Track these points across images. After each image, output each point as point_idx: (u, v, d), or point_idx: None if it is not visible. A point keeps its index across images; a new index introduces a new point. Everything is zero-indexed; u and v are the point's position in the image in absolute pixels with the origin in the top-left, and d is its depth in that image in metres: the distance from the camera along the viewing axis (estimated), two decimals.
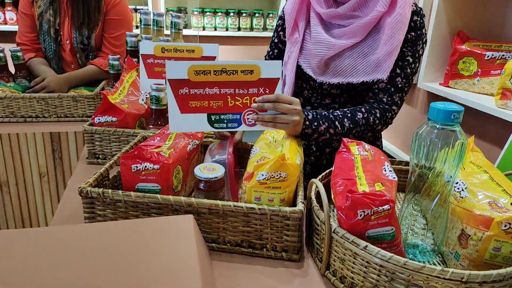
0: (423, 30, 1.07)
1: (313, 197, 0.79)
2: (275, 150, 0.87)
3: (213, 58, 1.23)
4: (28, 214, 1.49)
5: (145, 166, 0.79)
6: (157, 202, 0.76)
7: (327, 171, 0.91)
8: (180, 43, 1.33)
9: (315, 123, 0.99)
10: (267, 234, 0.76)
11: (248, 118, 0.91)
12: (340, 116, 1.03)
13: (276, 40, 1.25)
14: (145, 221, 0.71)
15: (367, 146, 0.90)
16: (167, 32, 1.68)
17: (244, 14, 3.34)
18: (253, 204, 0.74)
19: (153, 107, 1.14)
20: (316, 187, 0.82)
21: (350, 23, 1.06)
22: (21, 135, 1.39)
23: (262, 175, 0.74)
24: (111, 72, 1.48)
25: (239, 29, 3.39)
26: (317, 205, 0.76)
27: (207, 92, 0.88)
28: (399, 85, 1.07)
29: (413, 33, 1.05)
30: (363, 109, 1.05)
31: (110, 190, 0.78)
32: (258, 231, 0.76)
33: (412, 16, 1.04)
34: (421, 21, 1.06)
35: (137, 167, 0.79)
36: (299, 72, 1.16)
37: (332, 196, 0.73)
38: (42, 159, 1.43)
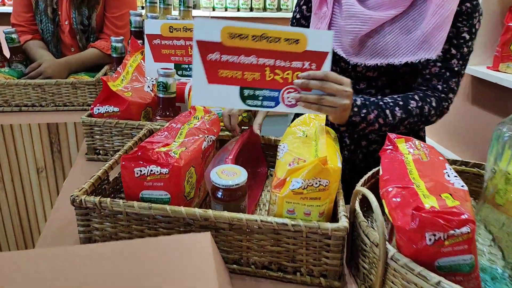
0: (479, 0, 0.90)
1: (357, 208, 0.64)
2: (309, 148, 0.71)
3: None
4: (26, 213, 1.36)
5: (151, 170, 0.64)
6: (165, 214, 0.62)
7: (370, 173, 0.76)
8: (191, 21, 1.17)
9: (364, 111, 0.83)
10: (301, 255, 0.61)
11: (288, 97, 0.76)
12: (391, 104, 0.87)
13: (298, 16, 1.08)
14: (152, 241, 0.57)
15: (417, 142, 0.74)
16: (175, 13, 1.52)
17: None
18: (285, 219, 0.59)
19: (161, 95, 0.99)
20: (361, 194, 0.67)
21: None
22: (15, 126, 1.26)
23: (298, 182, 0.59)
24: (114, 55, 1.34)
25: (251, 9, 3.19)
26: (365, 221, 0.61)
27: (241, 61, 0.73)
28: (455, 68, 0.90)
29: (468, 4, 0.88)
30: (416, 97, 0.90)
31: (108, 200, 0.64)
32: (290, 251, 0.62)
33: None
34: None
35: (141, 171, 0.65)
36: None
37: (386, 211, 0.58)
38: (39, 153, 1.29)
